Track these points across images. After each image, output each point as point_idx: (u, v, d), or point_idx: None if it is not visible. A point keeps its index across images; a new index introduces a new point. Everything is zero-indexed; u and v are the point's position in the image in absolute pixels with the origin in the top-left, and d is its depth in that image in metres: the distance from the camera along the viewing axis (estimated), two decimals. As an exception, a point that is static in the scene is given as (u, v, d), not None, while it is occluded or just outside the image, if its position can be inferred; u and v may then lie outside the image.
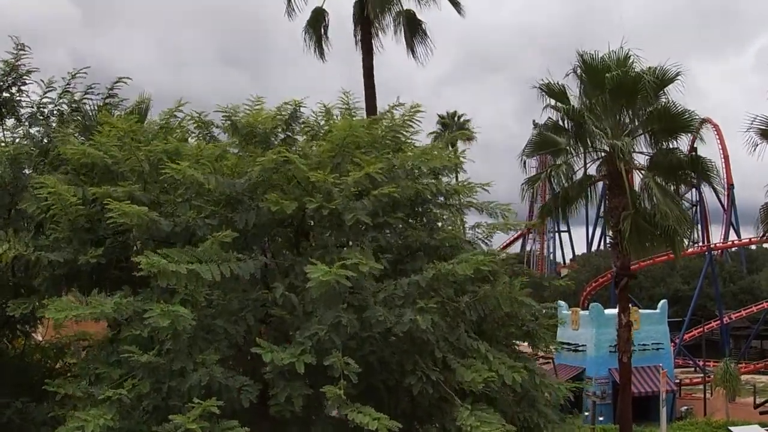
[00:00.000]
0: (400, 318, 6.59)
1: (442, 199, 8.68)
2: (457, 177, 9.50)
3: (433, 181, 8.54)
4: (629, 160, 15.03)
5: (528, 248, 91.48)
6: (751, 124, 17.50)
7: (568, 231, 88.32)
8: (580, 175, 16.47)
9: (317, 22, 21.03)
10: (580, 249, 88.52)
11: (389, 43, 21.16)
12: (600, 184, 18.04)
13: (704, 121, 74.05)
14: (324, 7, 21.29)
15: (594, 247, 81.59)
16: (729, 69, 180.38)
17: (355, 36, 20.58)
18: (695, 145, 18.05)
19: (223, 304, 6.93)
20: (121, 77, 11.19)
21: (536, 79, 16.94)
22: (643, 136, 15.81)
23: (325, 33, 21.17)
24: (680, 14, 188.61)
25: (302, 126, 9.47)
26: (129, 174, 7.87)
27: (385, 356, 7.25)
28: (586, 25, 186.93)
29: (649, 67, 15.15)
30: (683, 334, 51.37)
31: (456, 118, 43.76)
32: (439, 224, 8.83)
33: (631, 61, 15.16)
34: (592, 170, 16.83)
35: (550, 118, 17.16)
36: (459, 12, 21.13)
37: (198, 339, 6.62)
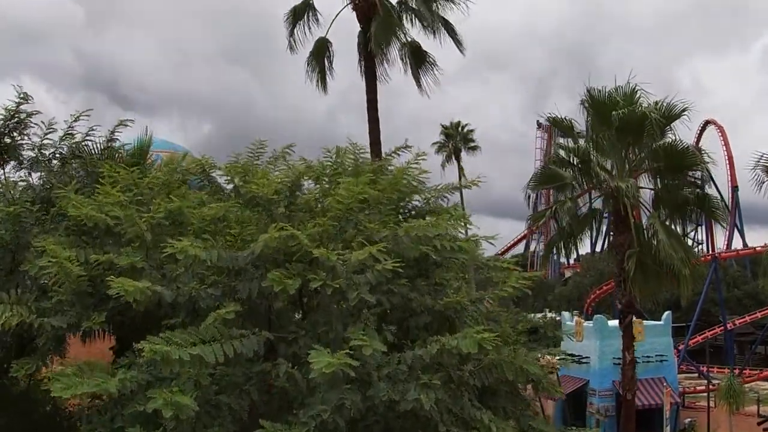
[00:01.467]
0: (404, 395, 6.55)
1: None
2: (466, 230, 9.43)
3: (437, 234, 8.48)
4: (635, 199, 14.90)
5: (532, 248, 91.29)
6: (758, 162, 17.39)
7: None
8: (585, 209, 16.36)
9: (320, 54, 20.37)
10: (585, 249, 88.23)
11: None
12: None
13: (708, 122, 72.69)
14: (327, 37, 20.60)
15: (598, 248, 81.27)
16: (734, 67, 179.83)
17: (359, 66, 20.13)
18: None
19: (227, 378, 6.90)
20: (123, 120, 11.20)
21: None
22: (648, 172, 15.66)
23: (329, 64, 20.55)
24: (684, 12, 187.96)
25: (306, 169, 9.46)
26: (133, 238, 7.84)
27: (389, 422, 7.23)
28: (590, 22, 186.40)
29: (656, 102, 15.01)
30: (688, 340, 51.18)
31: (459, 129, 43.47)
32: (445, 280, 8.80)
33: (638, 96, 15.01)
34: (597, 203, 16.75)
35: (557, 146, 17.07)
36: (460, 50, 20.64)
37: (202, 416, 6.59)
